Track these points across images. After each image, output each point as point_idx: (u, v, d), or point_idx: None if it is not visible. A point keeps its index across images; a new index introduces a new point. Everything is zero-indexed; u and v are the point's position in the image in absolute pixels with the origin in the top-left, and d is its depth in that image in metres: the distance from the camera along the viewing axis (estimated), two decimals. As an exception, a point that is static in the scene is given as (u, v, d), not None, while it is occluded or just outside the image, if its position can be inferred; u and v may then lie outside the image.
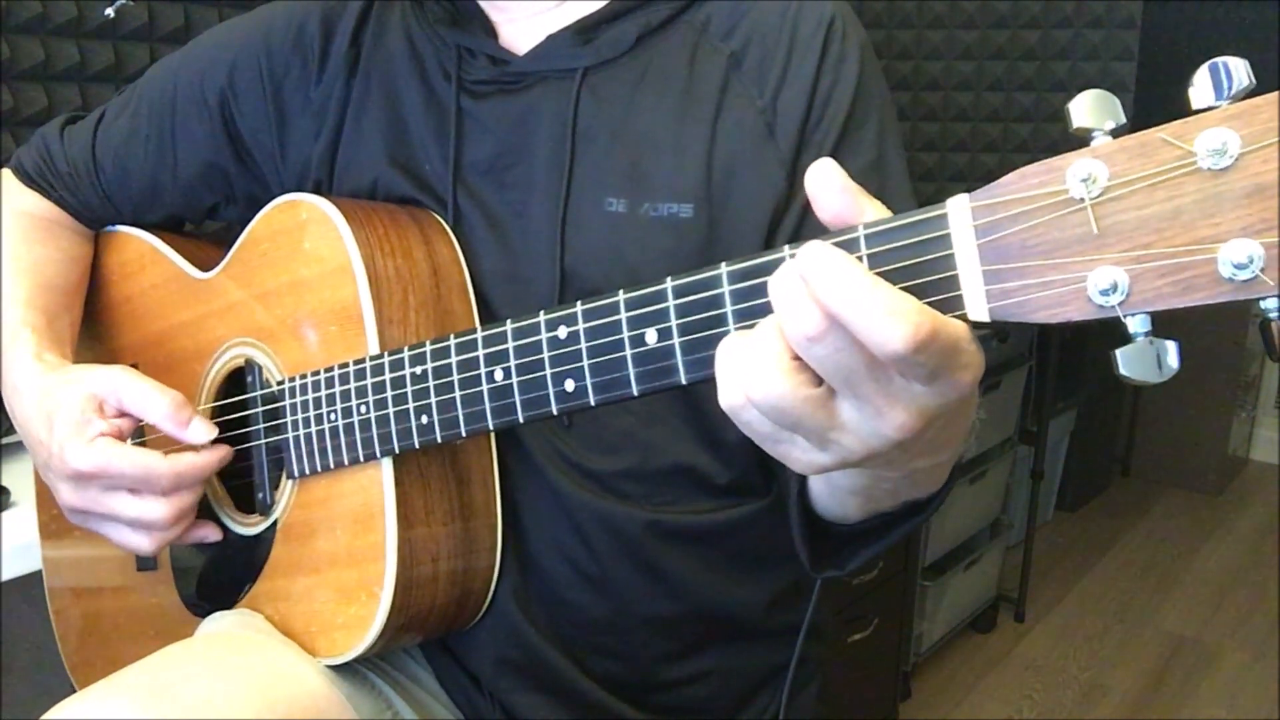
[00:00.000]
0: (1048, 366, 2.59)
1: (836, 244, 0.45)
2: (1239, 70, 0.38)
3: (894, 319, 0.41)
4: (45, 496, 0.99)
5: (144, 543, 0.80)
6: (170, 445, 0.80)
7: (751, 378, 0.45)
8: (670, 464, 0.78)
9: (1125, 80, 2.41)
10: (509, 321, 0.62)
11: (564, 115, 0.77)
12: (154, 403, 0.77)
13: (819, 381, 0.45)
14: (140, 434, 0.90)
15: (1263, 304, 0.37)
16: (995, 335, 2.29)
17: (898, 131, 0.80)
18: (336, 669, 0.77)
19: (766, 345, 0.45)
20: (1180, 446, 3.48)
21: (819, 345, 0.43)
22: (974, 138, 2.62)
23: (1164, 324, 0.40)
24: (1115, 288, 0.39)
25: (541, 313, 0.60)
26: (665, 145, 0.75)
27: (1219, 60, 0.38)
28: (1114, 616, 2.76)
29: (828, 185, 0.46)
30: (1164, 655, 2.58)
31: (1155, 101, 2.33)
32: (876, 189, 0.47)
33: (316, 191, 0.84)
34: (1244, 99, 0.38)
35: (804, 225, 0.74)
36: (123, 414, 0.78)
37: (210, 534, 0.83)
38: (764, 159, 0.75)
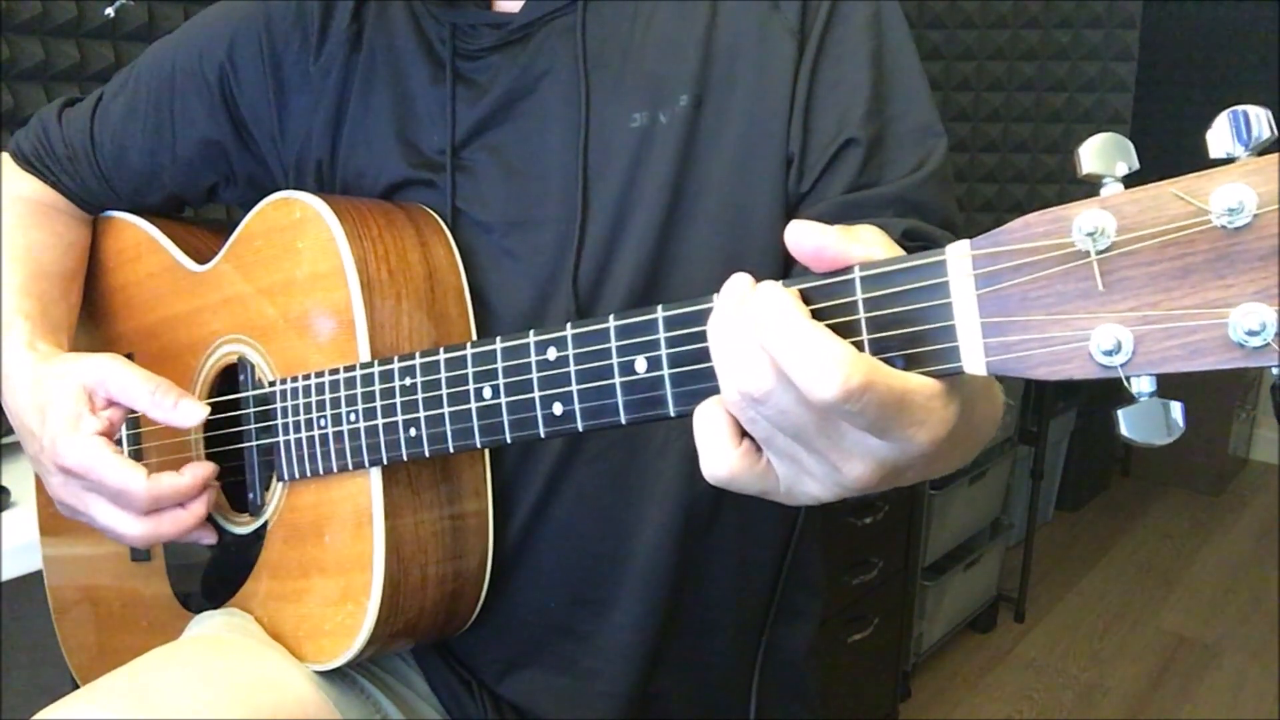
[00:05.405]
0: (1052, 366, 2.57)
1: (831, 286, 0.44)
2: (1260, 120, 0.36)
3: (828, 365, 0.40)
4: (44, 492, 0.99)
5: (122, 542, 0.79)
6: (168, 434, 0.79)
7: (708, 458, 0.47)
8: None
9: (1125, 80, 2.37)
10: (498, 339, 0.61)
11: (573, 47, 0.75)
12: (138, 390, 0.76)
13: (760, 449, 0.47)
14: (135, 425, 0.89)
15: (1274, 370, 0.36)
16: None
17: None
18: (324, 673, 0.76)
19: (713, 425, 0.47)
20: (1180, 446, 3.42)
21: (763, 405, 0.43)
22: (974, 138, 2.60)
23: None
24: (1119, 347, 0.37)
25: (531, 332, 0.58)
26: (670, 44, 0.74)
27: (1239, 109, 0.36)
28: (1114, 616, 2.75)
29: (806, 245, 0.45)
30: (1164, 655, 2.57)
31: (1155, 101, 2.30)
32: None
33: (318, 169, 0.83)
34: (1264, 152, 0.36)
35: (813, 94, 0.73)
36: (112, 404, 0.78)
37: (206, 536, 0.83)
38: (770, 30, 0.73)
